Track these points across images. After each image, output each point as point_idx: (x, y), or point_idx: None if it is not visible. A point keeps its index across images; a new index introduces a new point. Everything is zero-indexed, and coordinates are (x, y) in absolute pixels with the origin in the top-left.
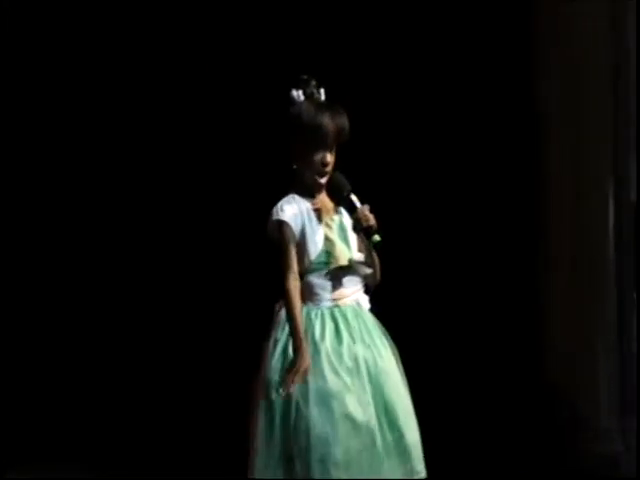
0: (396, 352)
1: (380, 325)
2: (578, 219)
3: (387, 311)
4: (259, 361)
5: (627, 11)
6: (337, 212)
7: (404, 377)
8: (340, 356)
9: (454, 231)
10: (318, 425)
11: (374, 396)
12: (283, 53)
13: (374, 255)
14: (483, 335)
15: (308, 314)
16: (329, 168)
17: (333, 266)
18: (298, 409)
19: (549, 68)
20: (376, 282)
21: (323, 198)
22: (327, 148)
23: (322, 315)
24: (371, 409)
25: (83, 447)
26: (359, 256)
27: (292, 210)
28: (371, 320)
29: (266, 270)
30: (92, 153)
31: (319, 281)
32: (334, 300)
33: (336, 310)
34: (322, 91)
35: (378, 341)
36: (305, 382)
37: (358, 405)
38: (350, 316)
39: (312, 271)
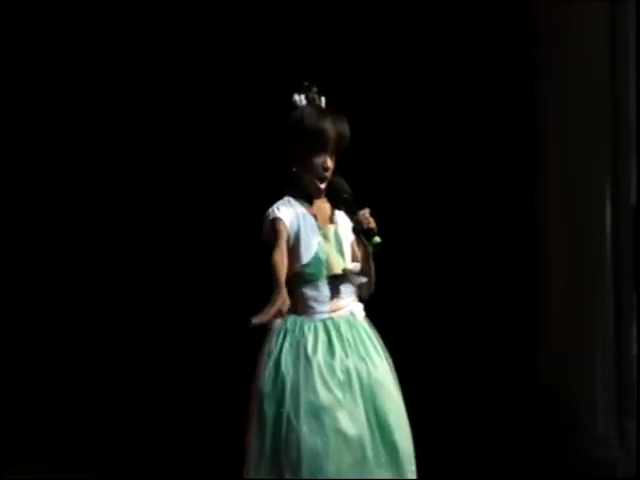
0: (390, 361)
1: (375, 333)
2: (575, 221)
3: (383, 314)
4: (254, 370)
5: (626, 12)
6: (333, 222)
7: (398, 385)
8: (332, 370)
9: (452, 233)
10: (309, 439)
11: (366, 409)
12: (282, 57)
13: (371, 264)
14: (480, 337)
15: (301, 327)
16: (329, 173)
17: (327, 276)
18: (289, 423)
19: (548, 68)
20: (370, 292)
21: (320, 205)
22: (328, 152)
23: (315, 328)
24: (363, 423)
25: (83, 447)
26: (353, 266)
27: (288, 211)
28: (365, 330)
29: (263, 272)
30: (91, 155)
31: (313, 293)
32: (328, 312)
33: (329, 322)
34: (323, 99)
35: (372, 350)
36: (297, 396)
37: (349, 419)
38: (343, 328)
39: (305, 283)
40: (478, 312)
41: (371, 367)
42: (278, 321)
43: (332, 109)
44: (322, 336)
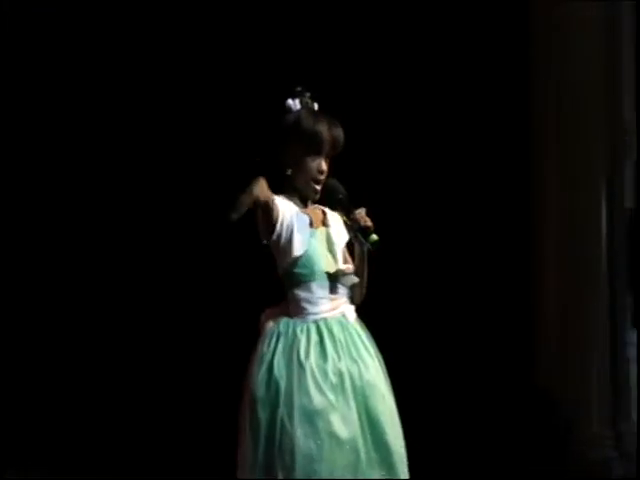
0: (382, 362)
1: (367, 334)
2: (571, 223)
3: (379, 315)
4: (246, 373)
5: (624, 13)
6: (325, 225)
7: (389, 386)
8: (325, 373)
9: (449, 234)
10: (303, 443)
11: (359, 411)
12: (275, 61)
13: (365, 268)
14: (475, 338)
15: (294, 330)
16: (323, 176)
17: (318, 277)
18: (283, 427)
19: (546, 69)
20: (362, 297)
21: (314, 209)
22: (323, 155)
23: (308, 330)
24: (355, 425)
25: (83, 447)
26: (345, 267)
27: (284, 202)
28: (357, 331)
29: (263, 272)
30: (91, 155)
31: (305, 294)
32: (320, 313)
33: (322, 323)
34: (315, 105)
35: (364, 352)
36: (290, 401)
37: (342, 422)
38: (336, 329)
39: (297, 284)
40: (474, 313)
41: (363, 369)
42: (271, 324)
43: (326, 113)
44: (314, 337)
